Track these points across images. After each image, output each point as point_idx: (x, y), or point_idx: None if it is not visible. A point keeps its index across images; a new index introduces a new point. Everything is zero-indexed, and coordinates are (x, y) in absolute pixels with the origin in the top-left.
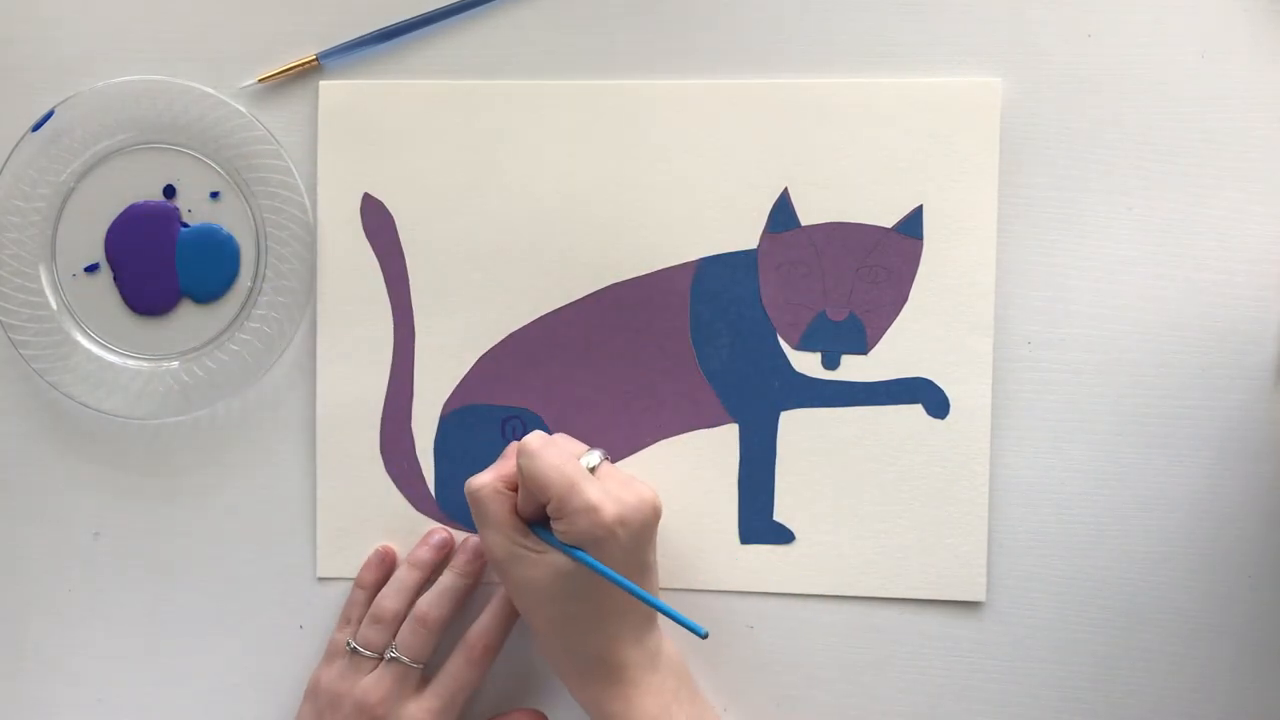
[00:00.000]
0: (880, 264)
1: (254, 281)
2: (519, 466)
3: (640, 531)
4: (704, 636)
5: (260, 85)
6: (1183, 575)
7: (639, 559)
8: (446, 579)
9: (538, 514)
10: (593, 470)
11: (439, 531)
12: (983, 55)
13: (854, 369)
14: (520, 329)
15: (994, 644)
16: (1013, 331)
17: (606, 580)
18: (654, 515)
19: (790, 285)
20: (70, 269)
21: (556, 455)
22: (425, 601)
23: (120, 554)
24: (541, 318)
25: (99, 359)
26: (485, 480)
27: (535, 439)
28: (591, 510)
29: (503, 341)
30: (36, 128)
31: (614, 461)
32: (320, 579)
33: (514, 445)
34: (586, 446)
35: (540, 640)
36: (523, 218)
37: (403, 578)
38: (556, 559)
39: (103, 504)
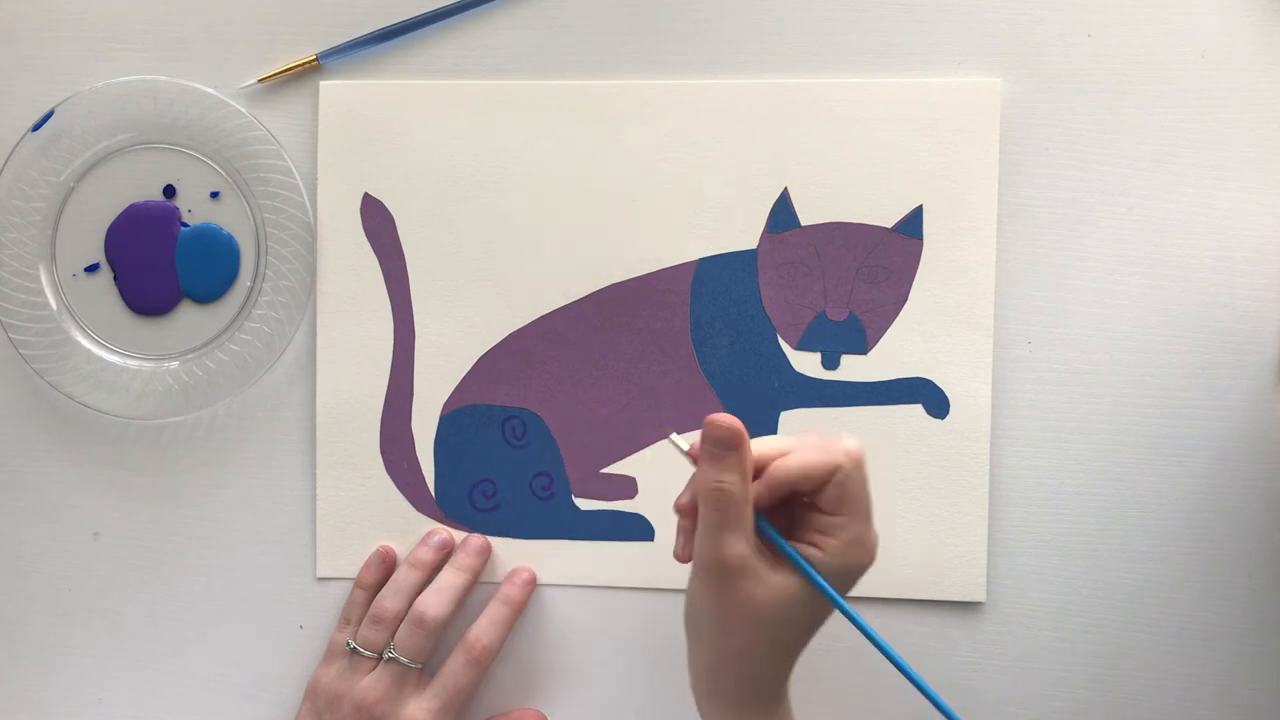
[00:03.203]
0: (880, 264)
1: (254, 281)
2: (770, 470)
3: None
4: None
5: (260, 85)
6: (1183, 575)
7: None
8: (445, 576)
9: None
10: None
11: (439, 531)
12: (983, 55)
13: (854, 369)
14: (520, 329)
15: (994, 644)
16: (1013, 331)
17: (824, 613)
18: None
19: (790, 285)
20: (70, 269)
21: (798, 443)
22: (423, 601)
23: (120, 554)
24: (541, 318)
25: (99, 359)
26: (734, 480)
27: (761, 441)
28: (872, 547)
29: (503, 341)
30: (36, 128)
31: (615, 460)
32: (320, 579)
33: (745, 440)
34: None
35: (710, 667)
36: (522, 218)
37: (402, 578)
38: (790, 581)
39: (103, 504)
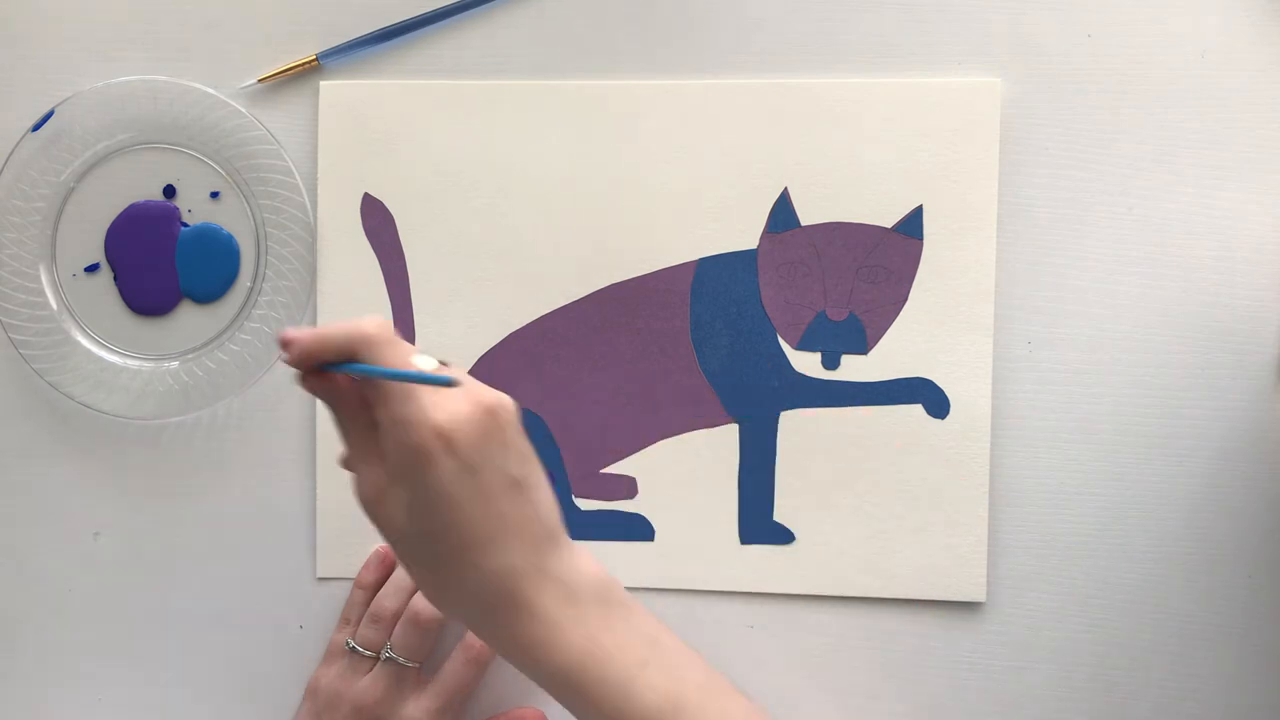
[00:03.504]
0: (880, 264)
1: (254, 281)
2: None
3: (477, 443)
4: (451, 385)
5: (260, 85)
6: (1183, 575)
7: (498, 474)
8: None
9: (362, 434)
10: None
11: None
12: (983, 55)
13: (854, 369)
14: (520, 329)
15: (994, 644)
16: (1013, 331)
17: (448, 506)
18: (492, 420)
19: (790, 285)
20: (70, 269)
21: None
22: (419, 600)
23: (120, 554)
24: (541, 318)
25: (99, 359)
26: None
27: (377, 325)
28: (418, 424)
29: (503, 341)
30: (36, 128)
31: (615, 460)
32: (320, 579)
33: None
34: (417, 350)
35: (429, 593)
36: (523, 218)
37: (401, 578)
38: (382, 473)
39: (103, 504)
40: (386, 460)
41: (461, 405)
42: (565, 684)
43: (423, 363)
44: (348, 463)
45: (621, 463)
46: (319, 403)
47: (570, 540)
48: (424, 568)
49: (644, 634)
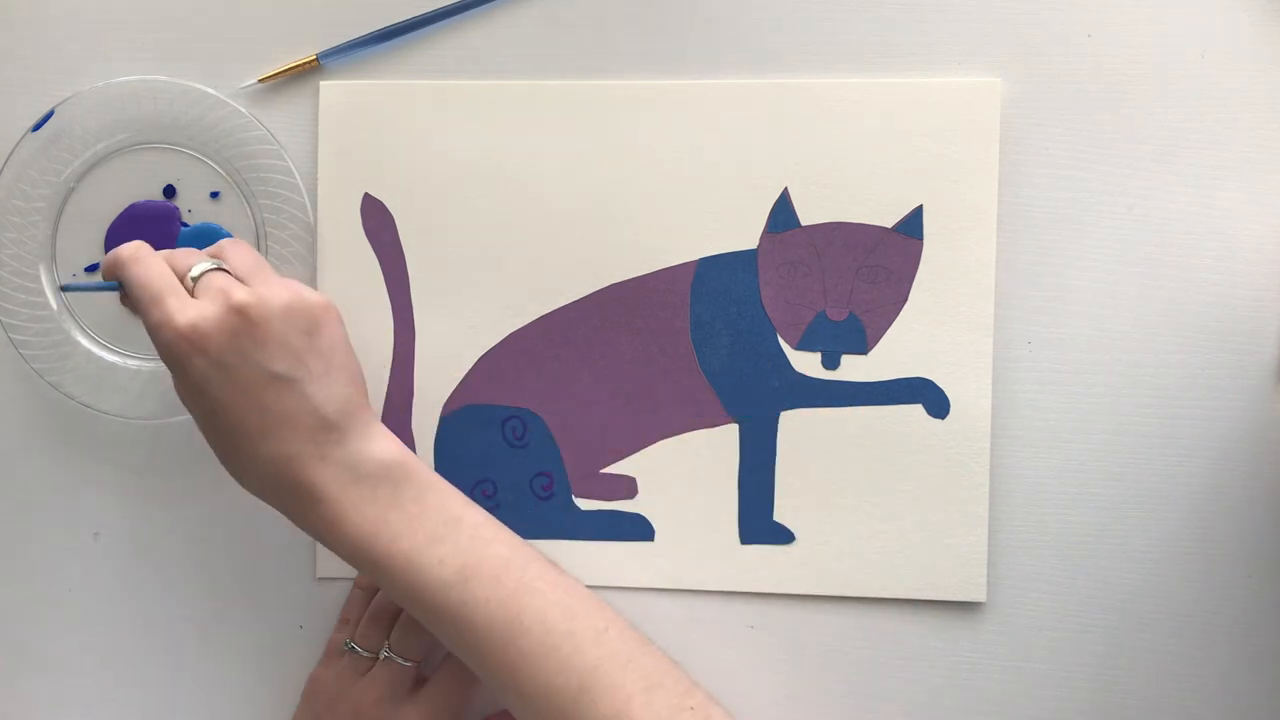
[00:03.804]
0: (880, 264)
1: None
2: (119, 278)
3: (223, 338)
4: (115, 290)
5: (260, 85)
6: (1183, 575)
7: (250, 365)
8: None
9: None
10: (197, 280)
11: None
12: (983, 55)
13: (854, 369)
14: (520, 329)
15: (994, 644)
16: (1013, 331)
17: (206, 398)
18: (240, 319)
19: (790, 285)
20: (70, 269)
21: (148, 267)
22: None
23: (120, 554)
24: (541, 318)
25: (99, 359)
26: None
27: (130, 247)
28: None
29: (503, 341)
30: (36, 128)
31: (615, 460)
32: (320, 579)
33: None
34: (205, 257)
35: (231, 473)
36: (523, 218)
37: None
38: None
39: (103, 504)
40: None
41: (209, 308)
42: (359, 559)
43: (191, 261)
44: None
45: (621, 463)
46: None
47: (368, 426)
48: (217, 451)
49: (440, 512)
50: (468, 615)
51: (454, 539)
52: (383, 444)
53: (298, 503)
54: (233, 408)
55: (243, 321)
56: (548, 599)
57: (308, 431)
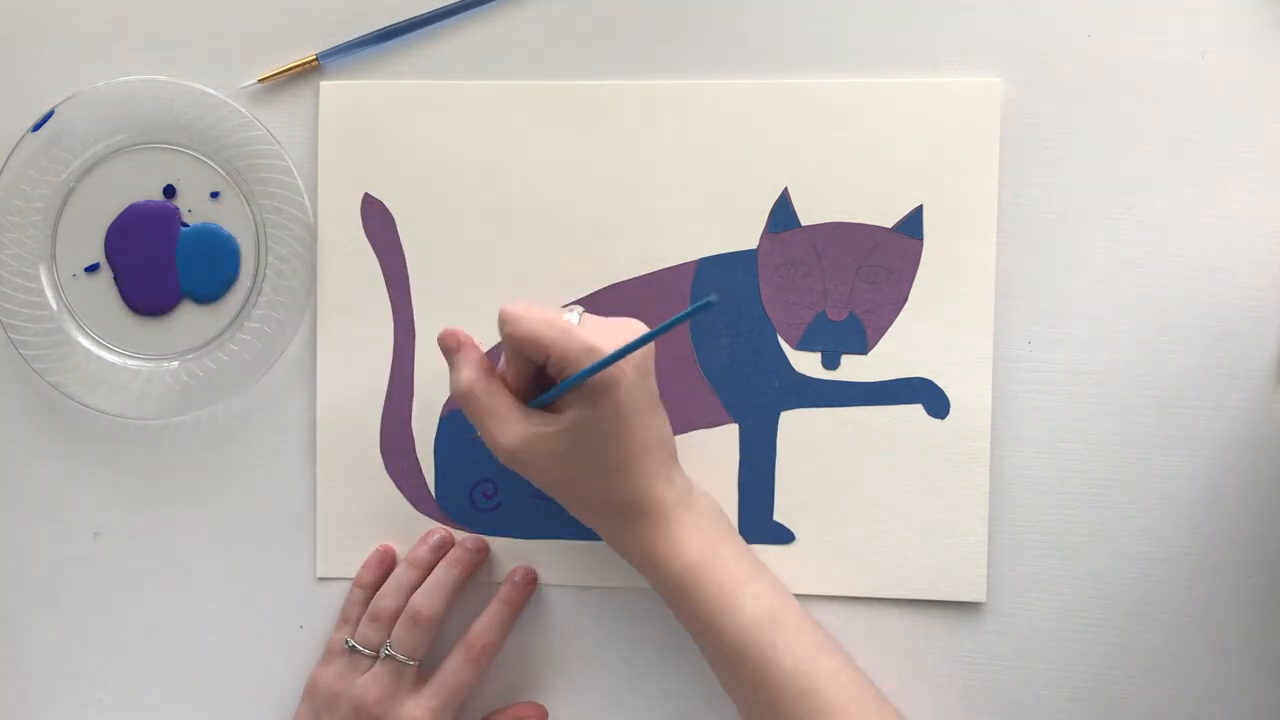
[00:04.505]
0: (880, 264)
1: (254, 281)
2: (505, 336)
3: (642, 364)
4: (712, 303)
5: (260, 85)
6: (1183, 575)
7: (649, 392)
8: (437, 574)
9: (530, 386)
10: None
11: (438, 531)
12: (983, 55)
13: (854, 369)
14: None
15: (994, 644)
16: (1013, 331)
17: (623, 422)
18: (650, 345)
19: (790, 285)
20: (70, 269)
21: (540, 313)
22: (418, 598)
23: (120, 554)
24: None
25: (99, 359)
26: (469, 377)
27: (513, 306)
28: (594, 352)
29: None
30: (36, 128)
31: None
32: (320, 579)
33: (466, 341)
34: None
35: (576, 508)
36: (523, 218)
37: (401, 577)
38: (571, 417)
39: (103, 504)
40: (565, 398)
41: (623, 335)
42: (680, 585)
43: (570, 316)
44: (491, 431)
45: None
46: (319, 403)
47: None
48: (573, 490)
49: (748, 553)
50: (774, 657)
51: (761, 579)
52: (696, 482)
53: (640, 525)
54: (638, 426)
55: (645, 358)
56: (842, 659)
57: (667, 452)
